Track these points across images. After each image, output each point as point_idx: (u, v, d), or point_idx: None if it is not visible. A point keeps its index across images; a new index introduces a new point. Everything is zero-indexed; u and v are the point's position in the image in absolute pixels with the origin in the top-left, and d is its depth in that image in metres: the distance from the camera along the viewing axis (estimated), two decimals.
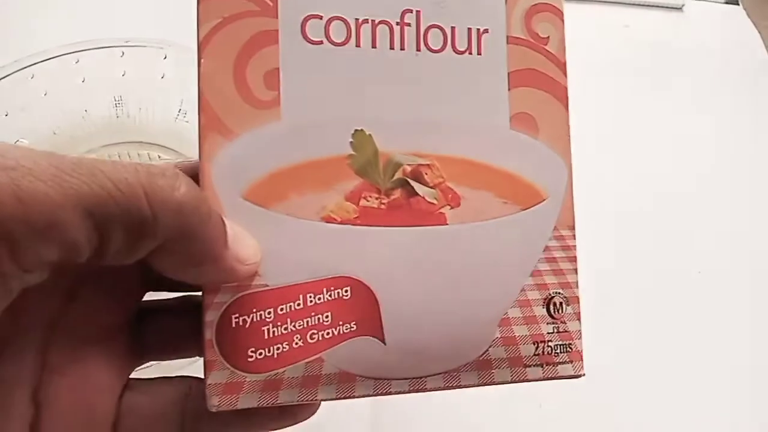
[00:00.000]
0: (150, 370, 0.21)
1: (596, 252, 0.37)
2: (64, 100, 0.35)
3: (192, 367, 0.19)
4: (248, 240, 0.16)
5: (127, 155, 0.37)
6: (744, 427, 0.35)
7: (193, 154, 0.37)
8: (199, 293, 0.17)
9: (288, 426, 0.17)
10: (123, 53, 0.36)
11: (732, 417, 0.35)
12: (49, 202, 0.12)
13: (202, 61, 0.16)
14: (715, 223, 0.41)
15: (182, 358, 0.19)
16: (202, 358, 0.16)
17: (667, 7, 0.52)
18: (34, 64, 0.34)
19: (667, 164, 0.43)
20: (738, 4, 0.54)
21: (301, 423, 0.18)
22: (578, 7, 0.50)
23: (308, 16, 0.17)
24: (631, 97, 0.46)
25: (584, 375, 0.19)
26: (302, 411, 0.17)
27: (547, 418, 0.32)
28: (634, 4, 0.52)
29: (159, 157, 0.38)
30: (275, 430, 0.17)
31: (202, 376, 0.16)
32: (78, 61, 0.35)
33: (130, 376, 0.17)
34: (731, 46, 0.51)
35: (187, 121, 0.37)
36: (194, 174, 0.16)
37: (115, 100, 0.36)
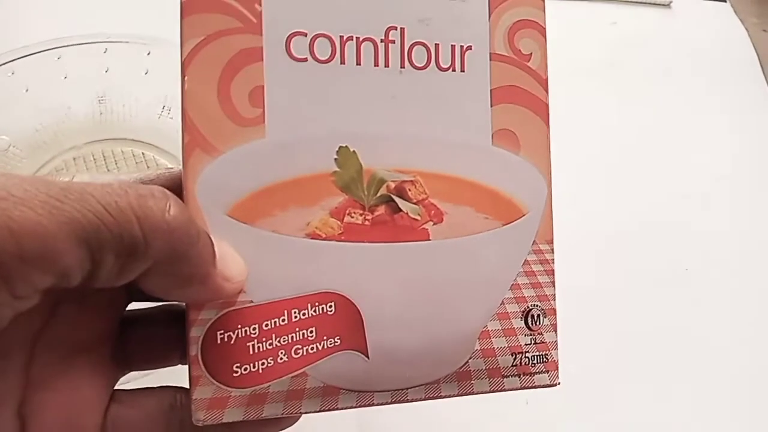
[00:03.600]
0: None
1: (587, 249, 0.38)
2: (46, 97, 0.34)
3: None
4: (235, 258, 0.16)
5: (110, 152, 0.37)
6: (741, 424, 0.35)
7: (176, 151, 0.37)
8: (182, 303, 0.17)
9: None
10: (106, 49, 0.35)
11: (722, 413, 0.35)
12: (42, 232, 0.12)
13: (185, 78, 0.16)
14: (703, 220, 0.42)
15: (165, 366, 0.19)
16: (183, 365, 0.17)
17: (654, 4, 0.52)
18: (15, 59, 0.33)
19: (654, 161, 0.44)
20: (725, 1, 0.55)
21: None
22: (566, 4, 0.50)
23: (293, 33, 0.17)
24: (618, 93, 0.47)
25: (559, 384, 0.19)
26: (284, 421, 0.18)
27: (533, 415, 0.33)
28: (621, 1, 0.52)
29: (143, 153, 0.37)
30: None
31: (187, 386, 0.16)
32: (60, 57, 0.34)
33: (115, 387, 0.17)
34: (718, 42, 0.52)
35: (171, 118, 0.37)
36: (176, 185, 0.17)
37: (99, 97, 0.36)
